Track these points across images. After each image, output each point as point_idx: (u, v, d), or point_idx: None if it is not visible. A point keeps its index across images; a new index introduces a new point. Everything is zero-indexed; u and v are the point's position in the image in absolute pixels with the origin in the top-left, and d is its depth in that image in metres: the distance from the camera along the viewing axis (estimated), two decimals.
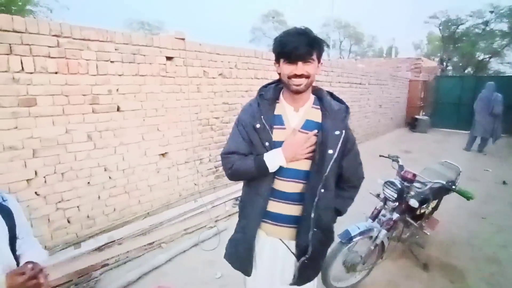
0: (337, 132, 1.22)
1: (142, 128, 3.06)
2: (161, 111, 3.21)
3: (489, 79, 8.98)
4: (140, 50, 2.93)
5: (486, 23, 19.27)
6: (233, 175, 1.29)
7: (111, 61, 2.72)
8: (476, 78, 11.25)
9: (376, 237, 2.23)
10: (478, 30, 19.93)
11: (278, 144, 1.22)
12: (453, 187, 2.44)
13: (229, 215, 3.52)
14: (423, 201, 2.43)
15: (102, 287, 2.33)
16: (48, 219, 2.53)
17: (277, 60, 1.21)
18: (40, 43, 2.29)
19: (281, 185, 1.27)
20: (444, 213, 3.21)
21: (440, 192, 2.69)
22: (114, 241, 2.77)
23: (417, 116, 10.49)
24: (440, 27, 21.83)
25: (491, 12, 18.54)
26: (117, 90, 2.80)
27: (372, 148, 6.58)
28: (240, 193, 1.47)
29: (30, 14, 12.03)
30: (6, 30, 2.13)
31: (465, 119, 9.18)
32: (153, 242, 2.87)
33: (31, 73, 2.28)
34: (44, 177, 2.45)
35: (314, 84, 1.25)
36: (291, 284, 1.36)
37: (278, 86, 1.31)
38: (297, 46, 1.10)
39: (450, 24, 20.90)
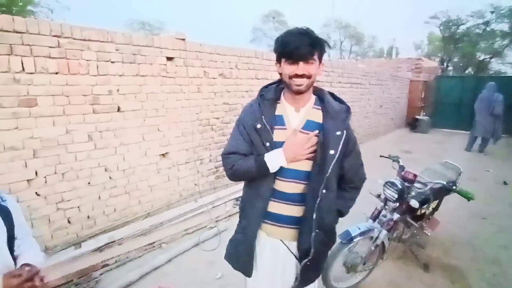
0: (338, 133, 1.22)
1: (143, 129, 3.06)
2: (162, 111, 3.21)
3: (490, 79, 8.97)
4: (140, 50, 2.93)
5: (486, 23, 19.26)
6: (234, 175, 1.29)
7: (111, 62, 2.72)
8: (477, 78, 11.24)
9: (377, 237, 2.22)
10: (479, 30, 19.91)
11: (279, 145, 1.21)
12: (454, 187, 2.44)
13: (230, 216, 3.52)
14: (423, 202, 2.43)
15: (102, 287, 2.33)
16: (49, 219, 2.53)
17: (279, 60, 1.21)
18: (41, 44, 2.30)
19: (281, 185, 1.27)
20: (444, 214, 3.20)
21: (441, 192, 2.69)
22: (115, 241, 2.77)
23: (417, 117, 10.48)
24: (441, 27, 21.82)
25: (492, 12, 18.53)
26: (118, 90, 2.80)
27: (372, 148, 6.58)
28: (240, 194, 1.47)
29: (31, 15, 12.06)
30: (6, 31, 2.14)
31: (466, 119, 9.17)
32: (154, 243, 2.87)
33: (32, 73, 2.28)
34: (45, 177, 2.45)
35: (314, 84, 1.25)
36: (293, 287, 1.36)
37: (279, 87, 1.31)
38: (299, 46, 1.10)
39: (450, 24, 20.89)
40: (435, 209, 2.89)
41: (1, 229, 1.05)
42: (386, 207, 2.42)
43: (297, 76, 1.15)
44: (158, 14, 53.54)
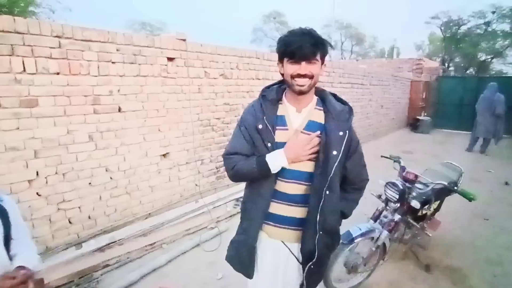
0: (341, 133, 1.22)
1: (143, 129, 3.07)
2: (162, 111, 3.21)
3: (491, 79, 8.93)
4: (141, 51, 2.93)
5: (488, 23, 19.22)
6: (235, 176, 1.29)
7: (112, 62, 2.72)
8: (478, 78, 11.21)
9: (378, 238, 2.22)
10: (480, 30, 19.87)
11: (281, 145, 1.21)
12: (455, 188, 2.43)
13: (230, 216, 3.52)
14: (425, 202, 2.42)
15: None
16: (50, 220, 2.53)
17: (281, 60, 1.20)
18: (42, 44, 2.30)
19: (283, 186, 1.26)
20: (446, 214, 3.19)
21: (442, 193, 2.68)
22: (115, 241, 2.77)
23: (418, 117, 10.47)
24: (442, 28, 21.79)
25: (493, 12, 18.49)
26: (119, 90, 2.81)
27: (373, 148, 6.56)
28: (241, 194, 1.47)
29: (33, 16, 12.10)
30: (8, 31, 2.14)
31: (467, 119, 9.14)
32: (154, 243, 2.87)
33: (33, 74, 2.29)
34: (46, 177, 2.46)
35: (316, 85, 1.25)
36: None
37: (281, 87, 1.31)
38: (302, 45, 1.10)
39: (451, 24, 20.86)
40: (437, 209, 2.88)
41: None
42: (387, 207, 2.42)
43: (299, 76, 1.15)
44: (159, 15, 53.67)
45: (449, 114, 10.53)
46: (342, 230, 2.11)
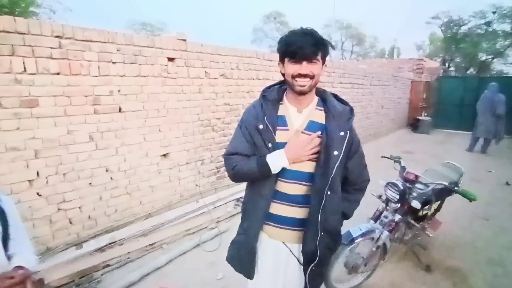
0: (342, 133, 1.22)
1: (144, 129, 3.07)
2: (163, 112, 3.21)
3: (492, 79, 8.93)
4: (141, 51, 2.94)
5: (488, 23, 19.19)
6: (236, 176, 1.29)
7: (112, 62, 2.73)
8: (479, 78, 11.19)
9: (378, 238, 2.21)
10: (481, 30, 19.84)
11: (281, 145, 1.21)
12: (456, 188, 2.43)
13: (231, 216, 3.52)
14: (425, 203, 2.42)
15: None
16: (50, 220, 2.53)
17: (282, 60, 1.20)
18: (43, 44, 2.30)
19: (284, 187, 1.26)
20: (446, 215, 3.19)
21: (443, 193, 2.67)
22: (116, 241, 2.77)
23: (419, 117, 10.46)
24: (442, 28, 21.77)
25: (494, 12, 18.46)
26: (119, 91, 2.81)
27: (374, 149, 6.56)
28: (241, 194, 1.47)
29: (33, 16, 12.12)
30: (9, 32, 2.15)
31: (468, 120, 9.12)
32: (155, 243, 2.87)
33: (33, 74, 2.29)
34: (46, 177, 2.46)
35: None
36: None
37: (281, 88, 1.31)
38: (303, 45, 1.10)
39: (452, 24, 20.84)
40: (437, 210, 2.88)
41: None
42: (388, 208, 2.41)
43: (300, 76, 1.15)
44: (160, 15, 53.71)
45: (449, 114, 10.52)
46: (343, 230, 2.11)
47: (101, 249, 2.67)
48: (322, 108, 1.27)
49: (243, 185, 1.41)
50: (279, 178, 1.25)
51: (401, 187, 2.29)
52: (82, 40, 2.52)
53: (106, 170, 2.83)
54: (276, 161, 1.19)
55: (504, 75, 18.11)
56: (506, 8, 17.77)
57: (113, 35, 2.71)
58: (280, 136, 1.23)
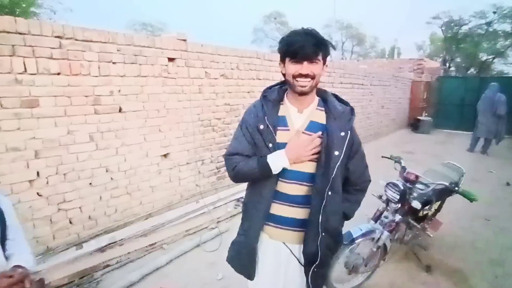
0: (343, 133, 1.22)
1: (144, 129, 3.07)
2: (163, 112, 3.21)
3: (493, 79, 8.92)
4: (142, 51, 2.94)
5: (489, 23, 19.19)
6: (236, 177, 1.29)
7: (113, 62, 2.73)
8: (479, 78, 11.19)
9: (379, 238, 2.21)
10: (481, 30, 19.84)
11: (282, 146, 1.21)
12: (456, 188, 2.42)
13: (231, 216, 3.51)
14: (425, 203, 2.41)
15: None
16: (50, 220, 2.53)
17: (283, 60, 1.20)
18: (43, 45, 2.31)
19: (284, 187, 1.26)
20: (447, 215, 3.18)
21: (443, 193, 2.67)
22: (116, 242, 2.77)
23: (419, 117, 10.45)
24: (443, 28, 21.77)
25: (494, 12, 18.46)
26: (119, 91, 2.81)
27: (374, 149, 6.55)
28: (242, 194, 1.46)
29: (34, 16, 12.14)
30: (9, 32, 2.15)
31: (468, 120, 9.11)
32: (155, 243, 2.87)
33: (34, 74, 2.29)
34: (46, 178, 2.46)
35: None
36: None
37: (282, 88, 1.31)
38: (304, 45, 1.10)
39: (452, 24, 20.83)
40: (438, 210, 2.87)
41: None
42: (388, 208, 2.41)
43: (301, 76, 1.15)
44: (160, 15, 53.76)
45: (450, 114, 10.52)
46: (344, 230, 2.12)
47: (101, 249, 2.68)
48: (323, 109, 1.27)
49: (244, 185, 1.41)
50: (279, 179, 1.25)
51: (402, 188, 2.28)
52: (83, 40, 2.52)
53: (107, 170, 2.83)
54: (276, 161, 1.19)
55: (504, 75, 18.08)
56: (507, 8, 17.78)
57: (113, 35, 2.71)
58: (280, 136, 1.23)
